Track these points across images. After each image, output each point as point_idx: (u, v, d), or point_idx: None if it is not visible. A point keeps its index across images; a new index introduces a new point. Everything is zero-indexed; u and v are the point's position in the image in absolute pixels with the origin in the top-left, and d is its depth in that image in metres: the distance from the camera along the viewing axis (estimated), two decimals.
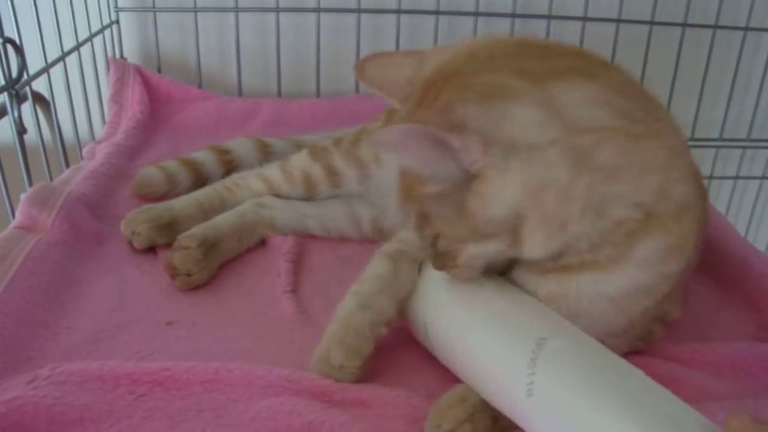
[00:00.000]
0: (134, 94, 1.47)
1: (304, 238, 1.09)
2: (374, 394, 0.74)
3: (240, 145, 1.26)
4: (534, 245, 0.68)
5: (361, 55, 1.61)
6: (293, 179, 1.10)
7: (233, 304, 0.92)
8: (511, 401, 0.68)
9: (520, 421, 0.67)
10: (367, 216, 1.09)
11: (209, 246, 0.96)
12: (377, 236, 1.09)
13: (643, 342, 0.84)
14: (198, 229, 0.98)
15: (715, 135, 1.82)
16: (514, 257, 0.73)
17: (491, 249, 0.70)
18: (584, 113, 0.66)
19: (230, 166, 1.22)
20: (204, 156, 1.22)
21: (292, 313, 0.90)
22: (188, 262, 0.93)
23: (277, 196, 1.11)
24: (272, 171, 1.11)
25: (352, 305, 0.79)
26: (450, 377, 0.76)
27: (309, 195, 1.10)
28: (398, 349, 0.84)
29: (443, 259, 0.74)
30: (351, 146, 1.09)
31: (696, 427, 0.60)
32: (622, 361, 0.67)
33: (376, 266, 0.83)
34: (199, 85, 1.62)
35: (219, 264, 0.99)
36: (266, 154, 1.26)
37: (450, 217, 0.70)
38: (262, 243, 1.07)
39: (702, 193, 0.80)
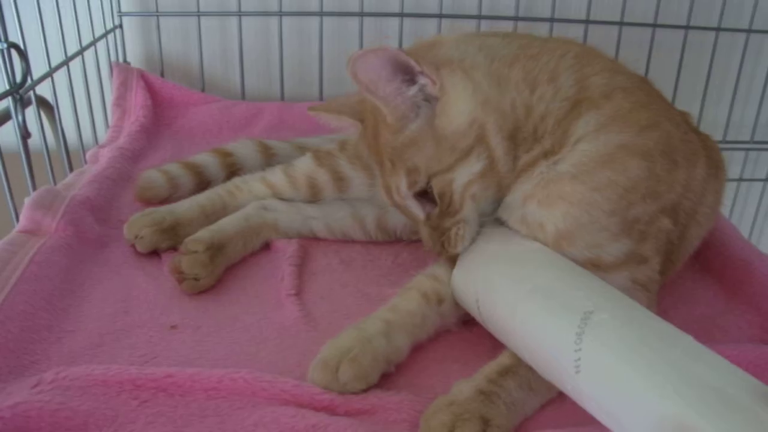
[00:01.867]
0: (137, 98, 1.47)
1: (308, 241, 1.09)
2: (378, 402, 0.73)
3: (242, 148, 1.26)
4: (498, 147, 0.81)
5: None
6: (297, 184, 1.10)
7: (237, 308, 0.92)
8: (561, 378, 0.68)
9: (572, 396, 0.67)
10: (371, 216, 1.09)
11: (216, 250, 0.96)
12: (382, 236, 1.10)
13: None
14: (204, 233, 0.98)
15: (719, 137, 1.82)
16: (496, 182, 0.83)
17: (476, 168, 0.81)
18: (497, 49, 0.85)
19: (232, 168, 1.22)
20: (206, 159, 1.22)
21: (296, 317, 0.90)
22: (196, 266, 0.93)
23: (281, 200, 1.10)
24: (276, 175, 1.11)
25: (378, 329, 0.79)
26: (455, 380, 0.76)
27: (314, 200, 1.10)
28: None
29: (444, 232, 0.84)
30: (357, 150, 1.09)
31: (743, 393, 0.58)
32: (670, 328, 0.67)
33: (410, 301, 0.85)
34: (202, 88, 1.62)
35: (225, 267, 0.99)
36: (269, 157, 1.26)
37: (429, 150, 0.82)
38: (267, 246, 1.07)
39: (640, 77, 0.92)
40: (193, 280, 0.93)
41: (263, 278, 0.99)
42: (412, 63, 0.79)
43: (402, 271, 1.02)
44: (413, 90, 0.81)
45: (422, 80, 0.80)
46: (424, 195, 0.85)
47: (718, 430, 0.56)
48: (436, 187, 0.82)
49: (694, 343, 0.64)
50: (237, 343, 0.85)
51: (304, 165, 1.11)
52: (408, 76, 0.81)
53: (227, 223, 1.02)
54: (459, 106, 0.80)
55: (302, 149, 1.24)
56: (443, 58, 0.84)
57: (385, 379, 0.79)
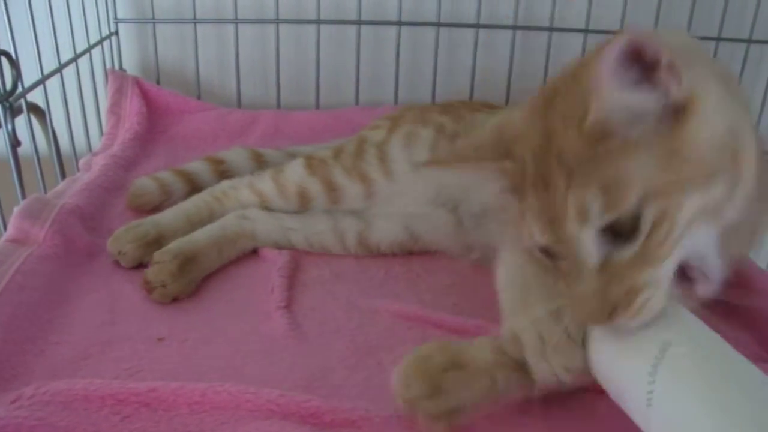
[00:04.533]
0: (132, 105, 1.46)
1: (299, 252, 1.07)
2: (365, 415, 0.72)
3: (235, 156, 1.26)
4: (749, 170, 0.65)
5: (362, 67, 1.61)
6: (287, 193, 1.08)
7: (225, 321, 0.91)
8: (633, 408, 0.65)
9: (641, 427, 0.64)
10: (353, 231, 1.08)
11: (185, 259, 0.95)
12: (363, 252, 1.08)
13: None
14: (174, 244, 0.97)
15: None
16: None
17: (715, 193, 0.63)
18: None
19: (225, 176, 1.21)
20: (198, 166, 1.21)
21: (285, 330, 0.88)
22: (161, 275, 0.93)
23: (268, 208, 1.09)
24: (265, 183, 1.10)
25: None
26: None
27: (303, 210, 1.09)
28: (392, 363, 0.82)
29: (629, 291, 0.63)
30: (354, 159, 1.07)
31: None
32: (754, 370, 0.62)
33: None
34: (198, 96, 1.61)
35: (200, 277, 0.98)
36: (261, 165, 1.25)
37: (652, 163, 0.61)
38: (257, 258, 1.06)
39: None
40: (161, 287, 0.92)
41: (253, 290, 0.98)
42: (662, 54, 0.60)
43: (394, 283, 1.01)
44: (652, 89, 0.62)
45: (665, 76, 0.61)
46: (608, 230, 0.63)
47: None
48: (654, 211, 0.61)
49: None
50: (223, 356, 0.83)
51: (295, 173, 1.09)
52: (644, 69, 0.61)
53: (201, 233, 1.01)
54: (715, 117, 0.63)
55: (294, 157, 1.22)
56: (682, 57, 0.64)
57: (377, 392, 0.77)
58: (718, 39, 1.69)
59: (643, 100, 0.61)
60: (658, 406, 0.61)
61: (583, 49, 1.65)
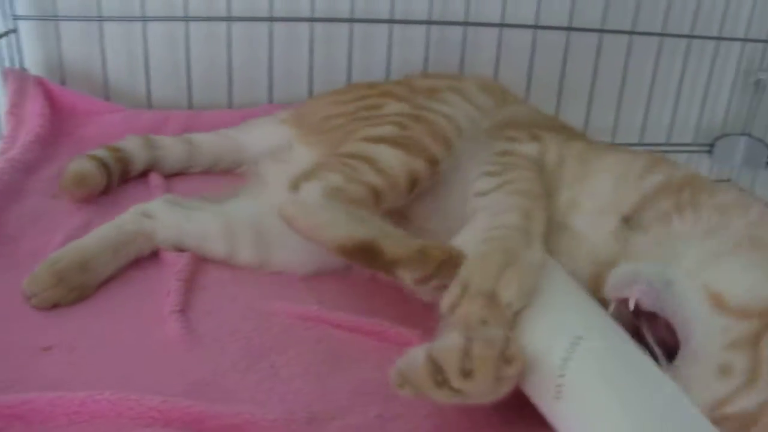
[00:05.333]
0: (34, 106, 1.41)
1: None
2: (251, 419, 0.70)
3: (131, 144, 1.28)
4: None
5: (275, 67, 1.59)
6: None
7: (118, 327, 0.88)
8: (541, 399, 0.66)
9: (550, 421, 0.66)
10: (246, 258, 1.03)
11: (69, 269, 0.92)
12: (255, 266, 1.03)
13: None
14: (57, 253, 0.94)
15: (635, 140, 1.85)
16: None
17: None
18: None
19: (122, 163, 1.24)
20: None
21: (178, 334, 0.86)
22: (33, 285, 0.90)
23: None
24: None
25: None
26: (333, 401, 0.73)
27: None
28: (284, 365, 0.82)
29: None
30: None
31: None
32: (656, 371, 0.66)
33: None
34: (106, 97, 1.56)
35: (95, 282, 0.94)
36: (154, 150, 1.30)
37: None
38: (156, 260, 1.03)
39: None
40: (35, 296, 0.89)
41: (149, 294, 0.95)
42: None
43: (294, 285, 1.00)
44: None
45: None
46: None
47: None
48: None
49: (678, 391, 0.64)
50: (113, 364, 0.81)
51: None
52: None
53: (93, 236, 0.98)
54: None
55: (189, 143, 1.28)
56: None
57: (267, 396, 0.76)
58: (632, 33, 1.72)
59: None
60: (566, 398, 0.63)
61: (498, 44, 1.65)
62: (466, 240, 0.79)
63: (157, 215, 1.03)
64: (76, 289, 0.91)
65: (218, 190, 1.16)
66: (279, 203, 0.89)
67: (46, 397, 0.70)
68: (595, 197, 0.85)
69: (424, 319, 0.81)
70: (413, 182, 0.97)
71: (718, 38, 1.81)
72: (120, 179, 1.24)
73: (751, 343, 0.66)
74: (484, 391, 0.64)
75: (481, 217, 0.81)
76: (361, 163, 0.96)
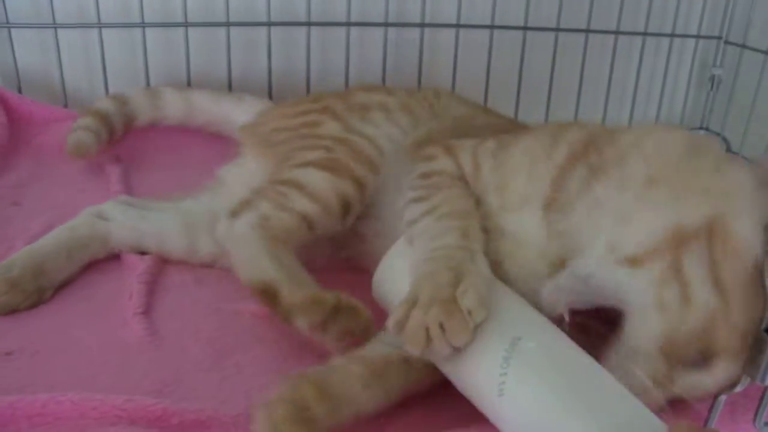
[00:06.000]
0: None
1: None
2: (214, 415, 0.71)
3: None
4: None
5: (234, 71, 1.59)
6: None
7: (80, 330, 0.88)
8: (483, 398, 0.68)
9: (492, 419, 0.68)
10: (206, 250, 1.04)
11: (22, 274, 0.91)
12: (216, 257, 1.04)
13: None
14: (9, 259, 0.94)
15: None
16: None
17: None
18: None
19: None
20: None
21: (141, 336, 0.86)
22: None
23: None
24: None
25: None
26: None
27: None
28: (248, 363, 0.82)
29: None
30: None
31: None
32: (594, 364, 0.68)
33: None
34: (64, 104, 1.55)
35: (51, 286, 0.94)
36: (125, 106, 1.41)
37: None
38: (119, 263, 1.03)
39: None
40: None
41: (111, 297, 0.95)
42: None
43: None
44: None
45: None
46: None
47: None
48: None
49: (615, 382, 0.66)
50: (75, 367, 0.81)
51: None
52: None
53: (48, 238, 0.98)
54: None
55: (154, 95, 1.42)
56: None
57: (231, 393, 0.77)
58: (587, 31, 1.75)
59: None
60: (509, 394, 0.65)
61: (456, 44, 1.67)
62: (404, 266, 0.79)
63: (112, 217, 1.03)
64: (33, 294, 0.91)
65: (179, 184, 1.17)
66: (218, 230, 0.96)
67: (6, 400, 0.70)
68: (515, 193, 0.84)
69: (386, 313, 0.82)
70: (345, 206, 0.98)
71: (672, 35, 1.84)
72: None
73: (674, 271, 0.69)
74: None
75: (418, 244, 0.81)
76: (291, 190, 0.97)
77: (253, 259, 0.88)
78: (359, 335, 0.81)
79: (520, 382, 0.65)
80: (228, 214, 0.96)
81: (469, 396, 0.71)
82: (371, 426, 0.74)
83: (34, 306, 0.91)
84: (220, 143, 1.38)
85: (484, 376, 0.67)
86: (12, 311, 0.89)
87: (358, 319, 0.81)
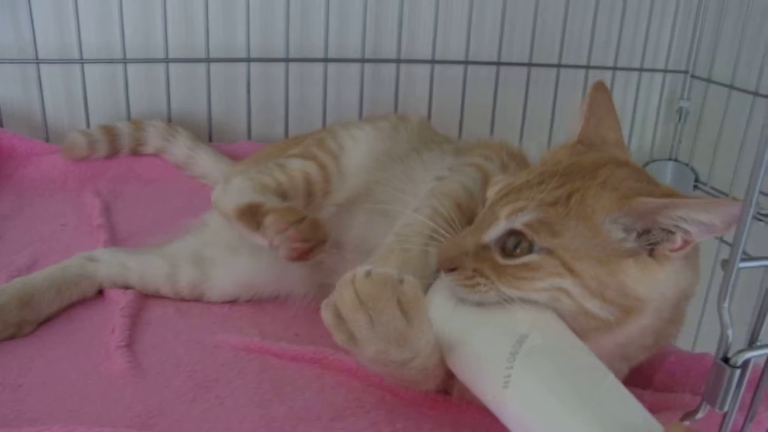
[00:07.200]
0: None
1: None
2: None
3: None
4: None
5: (213, 107, 1.63)
6: None
7: (63, 363, 0.89)
8: (488, 390, 0.72)
9: (494, 411, 0.72)
10: (186, 280, 1.07)
11: (8, 303, 0.93)
12: (194, 299, 1.08)
13: None
14: (8, 285, 0.96)
15: None
16: None
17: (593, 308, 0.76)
18: None
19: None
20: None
21: (124, 369, 0.88)
22: None
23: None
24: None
25: None
26: (278, 428, 0.76)
27: None
28: (229, 395, 0.83)
29: None
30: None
31: None
32: (598, 364, 0.72)
33: None
34: (46, 138, 1.57)
35: (34, 320, 0.96)
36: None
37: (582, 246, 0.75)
38: (102, 297, 1.05)
39: None
40: None
41: (94, 331, 0.97)
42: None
43: (237, 317, 1.03)
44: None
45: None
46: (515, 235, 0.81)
47: None
48: (541, 260, 0.79)
49: (617, 382, 0.71)
50: (59, 400, 0.82)
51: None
52: None
53: (39, 274, 1.00)
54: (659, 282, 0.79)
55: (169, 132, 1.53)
56: None
57: (213, 425, 0.78)
58: (559, 66, 1.79)
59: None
60: (514, 386, 0.69)
61: (431, 79, 1.71)
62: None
63: (101, 258, 1.07)
64: (12, 326, 0.93)
65: (159, 216, 1.24)
66: (214, 194, 1.06)
67: None
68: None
69: None
70: (308, 183, 1.13)
71: (641, 69, 1.90)
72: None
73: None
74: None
75: None
76: (275, 167, 1.13)
77: (242, 191, 1.03)
78: (314, 245, 0.94)
79: (524, 376, 0.69)
80: (223, 180, 1.09)
81: (473, 388, 0.75)
82: None
83: (11, 338, 0.93)
84: None
85: (491, 369, 0.72)
86: None
87: (318, 232, 0.94)
